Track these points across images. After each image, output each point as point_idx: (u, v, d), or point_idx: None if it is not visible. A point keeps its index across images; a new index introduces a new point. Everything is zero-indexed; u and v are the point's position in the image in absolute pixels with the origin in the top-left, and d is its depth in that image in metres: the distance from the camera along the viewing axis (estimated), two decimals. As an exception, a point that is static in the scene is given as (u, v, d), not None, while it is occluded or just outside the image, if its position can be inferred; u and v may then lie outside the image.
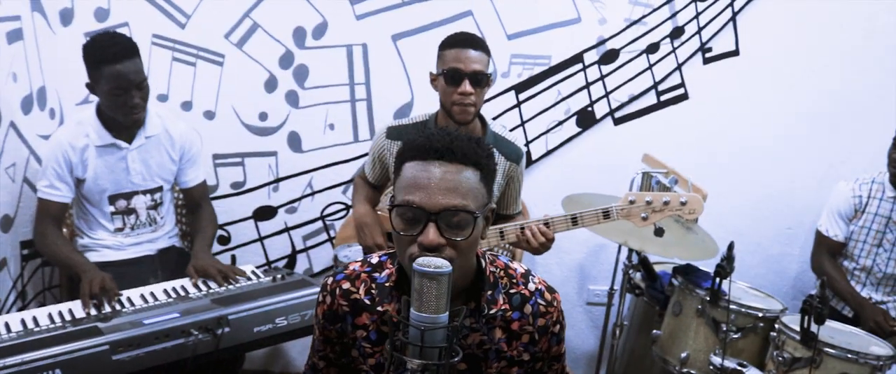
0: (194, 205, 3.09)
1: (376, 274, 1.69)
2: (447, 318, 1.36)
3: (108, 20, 3.18)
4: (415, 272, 1.34)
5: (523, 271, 1.71)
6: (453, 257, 1.47)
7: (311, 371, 1.82)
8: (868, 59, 3.56)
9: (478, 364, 1.65)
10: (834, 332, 2.75)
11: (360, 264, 1.72)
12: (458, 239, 1.48)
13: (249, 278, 2.78)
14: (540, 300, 1.67)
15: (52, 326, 2.36)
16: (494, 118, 3.33)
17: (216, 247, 3.45)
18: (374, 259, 1.73)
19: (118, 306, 2.52)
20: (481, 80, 2.60)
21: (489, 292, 1.63)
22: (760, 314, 2.80)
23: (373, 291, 1.67)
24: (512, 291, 1.66)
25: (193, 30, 3.22)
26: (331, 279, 1.72)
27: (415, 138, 1.54)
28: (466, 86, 2.57)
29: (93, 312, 2.48)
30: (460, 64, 2.59)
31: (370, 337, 1.68)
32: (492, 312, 1.62)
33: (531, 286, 1.68)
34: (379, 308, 1.65)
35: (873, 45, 3.54)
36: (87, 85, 2.68)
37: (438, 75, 2.66)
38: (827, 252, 3.41)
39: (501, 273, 1.68)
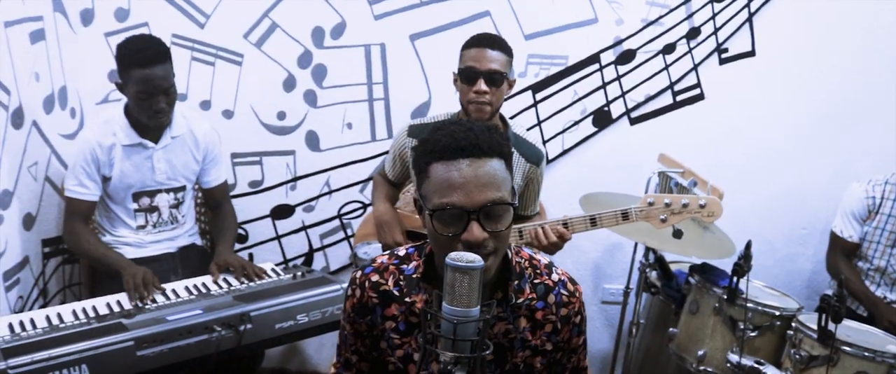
0: (216, 204, 3.12)
1: (404, 266, 1.72)
2: (479, 312, 1.38)
3: (129, 20, 3.20)
4: (447, 267, 1.36)
5: (546, 262, 1.74)
6: (498, 248, 1.51)
7: (344, 368, 1.84)
8: (880, 59, 3.57)
9: (503, 353, 1.67)
10: (850, 331, 2.76)
11: (387, 256, 1.75)
12: (500, 229, 1.51)
13: (270, 276, 2.81)
14: (563, 291, 1.70)
15: (77, 322, 2.39)
16: (512, 118, 3.35)
17: (235, 245, 3.47)
18: (401, 252, 1.75)
19: (162, 299, 2.58)
20: (497, 79, 2.62)
21: (516, 283, 1.65)
22: (777, 313, 2.82)
23: (401, 282, 1.70)
24: (536, 281, 1.69)
25: (212, 30, 3.25)
26: (359, 273, 1.74)
27: (436, 138, 1.55)
28: (481, 85, 2.60)
29: (138, 304, 2.54)
30: (476, 63, 2.61)
31: (399, 328, 1.70)
32: (519, 301, 1.65)
33: (555, 277, 1.71)
34: (407, 299, 1.68)
35: (886, 46, 3.55)
36: (117, 84, 2.72)
37: (458, 75, 2.69)
38: (842, 253, 3.42)
39: (527, 264, 1.71)
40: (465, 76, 2.63)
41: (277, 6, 3.25)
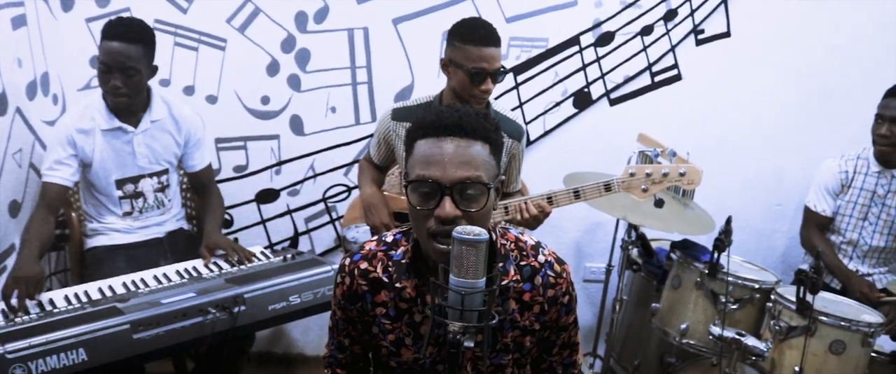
0: (201, 188, 3.12)
1: (392, 252, 1.74)
2: (485, 283, 1.43)
3: (110, 5, 3.19)
4: (454, 240, 1.40)
5: (533, 243, 1.76)
6: None
7: (338, 350, 1.87)
8: (854, 39, 3.65)
9: (494, 334, 1.71)
10: (826, 302, 2.85)
11: (375, 243, 1.77)
12: (473, 210, 1.55)
13: (259, 259, 2.83)
14: (549, 272, 1.72)
15: (71, 307, 2.40)
16: (495, 99, 3.39)
17: (220, 230, 3.49)
18: (389, 238, 1.77)
19: (25, 317, 2.34)
20: (501, 74, 2.73)
21: (500, 264, 1.68)
22: (757, 286, 2.90)
23: (390, 268, 1.72)
24: (522, 263, 1.71)
25: (195, 15, 3.25)
26: (348, 261, 1.77)
27: (425, 116, 1.60)
28: (490, 84, 2.68)
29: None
30: (485, 63, 2.65)
31: (389, 313, 1.73)
32: (503, 283, 1.68)
33: (541, 258, 1.73)
34: (397, 285, 1.70)
35: (859, 26, 3.64)
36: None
37: (457, 67, 2.69)
38: (816, 227, 3.52)
39: (512, 246, 1.73)
40: (474, 77, 2.65)
41: (260, -9, 3.26)
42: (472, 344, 1.40)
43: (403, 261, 1.71)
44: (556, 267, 1.74)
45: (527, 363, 1.83)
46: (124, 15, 2.82)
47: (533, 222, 2.69)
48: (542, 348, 1.81)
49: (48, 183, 2.75)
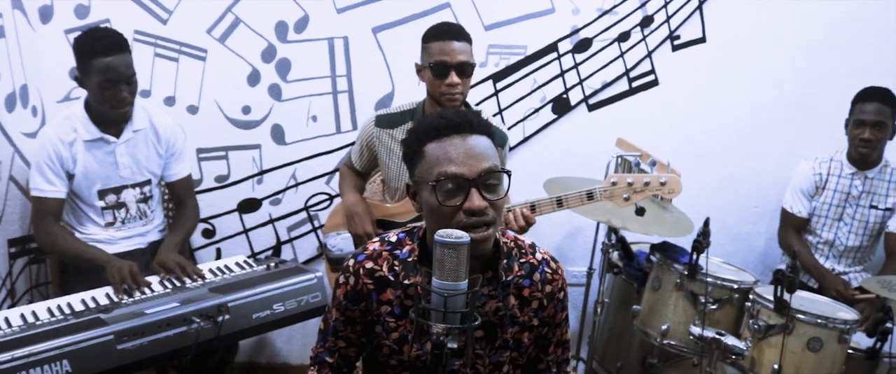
0: (178, 200, 3.11)
1: (397, 251, 1.78)
2: (467, 285, 1.46)
3: (89, 17, 3.19)
4: (436, 244, 1.44)
5: (530, 242, 1.84)
6: (495, 219, 1.60)
7: (327, 353, 1.89)
8: (826, 44, 3.72)
9: (494, 331, 1.76)
10: (803, 300, 2.89)
11: (379, 243, 1.82)
12: (497, 198, 1.62)
13: (205, 278, 2.76)
14: (547, 269, 1.80)
15: (54, 319, 2.38)
16: (476, 105, 3.42)
17: (201, 240, 3.49)
18: (393, 237, 1.82)
19: (148, 292, 2.60)
20: (467, 69, 2.71)
21: (505, 261, 1.74)
22: (736, 286, 2.94)
23: (396, 267, 1.76)
24: (522, 260, 1.79)
25: (175, 25, 3.25)
26: (352, 261, 1.80)
27: (427, 122, 1.66)
28: (454, 77, 2.68)
29: (125, 298, 2.55)
30: (446, 56, 2.69)
31: (394, 311, 1.77)
32: (509, 279, 1.74)
33: (538, 256, 1.81)
34: (405, 282, 1.75)
35: (831, 32, 3.71)
36: (76, 78, 2.71)
37: (425, 67, 2.75)
38: (792, 228, 3.58)
39: (512, 244, 1.80)
40: (437, 70, 2.70)
41: (241, 1, 3.27)
42: (455, 345, 1.43)
43: (410, 259, 1.75)
44: (553, 264, 1.83)
45: (523, 363, 1.87)
46: (100, 27, 2.82)
47: (520, 233, 2.70)
48: (539, 346, 1.87)
49: (44, 198, 2.76)
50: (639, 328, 3.11)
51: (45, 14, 3.16)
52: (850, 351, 2.80)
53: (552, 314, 1.82)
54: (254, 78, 3.36)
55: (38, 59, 3.12)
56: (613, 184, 2.66)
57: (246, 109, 3.40)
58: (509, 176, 1.66)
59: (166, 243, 2.92)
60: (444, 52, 2.69)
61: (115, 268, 2.64)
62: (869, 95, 3.31)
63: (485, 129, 1.66)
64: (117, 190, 2.89)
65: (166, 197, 3.21)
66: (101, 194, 2.87)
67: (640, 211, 2.74)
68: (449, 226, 1.57)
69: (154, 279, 2.71)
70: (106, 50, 2.62)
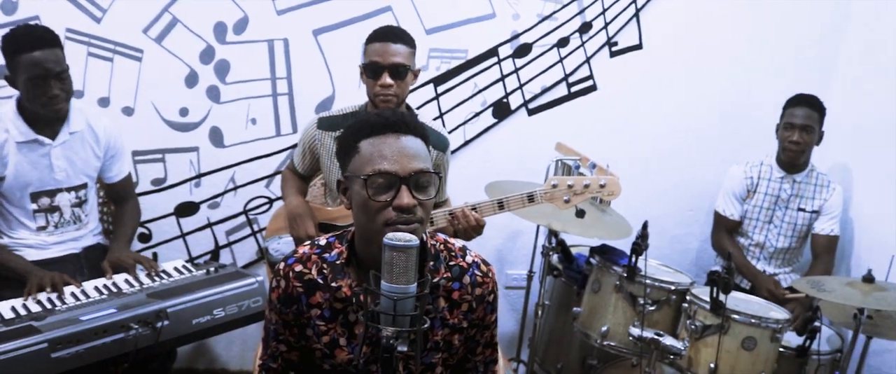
0: (119, 199, 3.04)
1: (326, 255, 1.79)
2: (416, 288, 1.46)
3: (17, 13, 3.07)
4: (385, 247, 1.44)
5: (460, 245, 1.86)
6: (423, 219, 1.64)
7: (271, 359, 1.88)
8: (759, 53, 3.85)
9: (425, 332, 1.75)
10: (737, 301, 2.99)
11: (309, 247, 1.82)
12: (426, 199, 1.65)
13: (170, 274, 2.76)
14: (477, 272, 1.82)
15: (-18, 327, 2.30)
16: (417, 109, 3.43)
17: (138, 245, 3.40)
18: (322, 241, 1.82)
19: (72, 300, 2.51)
20: (401, 72, 2.71)
21: (431, 263, 1.75)
22: (673, 288, 3.02)
23: (325, 270, 1.77)
24: (451, 263, 1.80)
25: (110, 24, 3.16)
26: (283, 264, 1.80)
27: (365, 119, 1.69)
28: (386, 78, 2.69)
29: (58, 305, 2.47)
30: (380, 57, 2.70)
31: (324, 315, 1.77)
32: (434, 280, 1.75)
33: (469, 259, 1.83)
34: (333, 284, 1.75)
35: (764, 40, 3.84)
36: (6, 78, 2.62)
37: (363, 70, 2.76)
38: (725, 231, 3.69)
39: (441, 247, 1.82)
40: (370, 70, 2.71)
41: (178, 1, 3.20)
42: (405, 348, 1.43)
43: (338, 262, 1.76)
44: (483, 267, 1.84)
45: (454, 364, 1.89)
46: (28, 24, 2.73)
47: (471, 234, 2.71)
48: (467, 347, 1.88)
49: None
50: (579, 329, 3.16)
51: (-28, 11, 3.04)
52: (781, 349, 2.89)
53: (482, 316, 1.84)
54: (192, 79, 3.30)
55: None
56: (554, 186, 2.70)
57: (183, 111, 3.33)
58: (440, 179, 1.69)
59: (117, 243, 2.87)
60: (378, 53, 2.71)
61: (36, 277, 2.55)
62: (799, 101, 3.44)
63: (419, 131, 1.69)
64: (51, 193, 2.80)
65: (102, 201, 3.12)
66: (34, 196, 2.77)
67: (580, 213, 2.79)
68: (377, 221, 1.60)
69: (88, 285, 2.64)
70: (33, 45, 2.54)
